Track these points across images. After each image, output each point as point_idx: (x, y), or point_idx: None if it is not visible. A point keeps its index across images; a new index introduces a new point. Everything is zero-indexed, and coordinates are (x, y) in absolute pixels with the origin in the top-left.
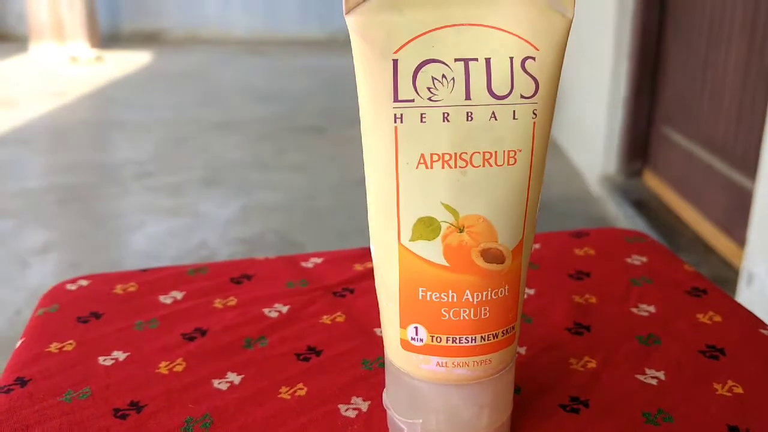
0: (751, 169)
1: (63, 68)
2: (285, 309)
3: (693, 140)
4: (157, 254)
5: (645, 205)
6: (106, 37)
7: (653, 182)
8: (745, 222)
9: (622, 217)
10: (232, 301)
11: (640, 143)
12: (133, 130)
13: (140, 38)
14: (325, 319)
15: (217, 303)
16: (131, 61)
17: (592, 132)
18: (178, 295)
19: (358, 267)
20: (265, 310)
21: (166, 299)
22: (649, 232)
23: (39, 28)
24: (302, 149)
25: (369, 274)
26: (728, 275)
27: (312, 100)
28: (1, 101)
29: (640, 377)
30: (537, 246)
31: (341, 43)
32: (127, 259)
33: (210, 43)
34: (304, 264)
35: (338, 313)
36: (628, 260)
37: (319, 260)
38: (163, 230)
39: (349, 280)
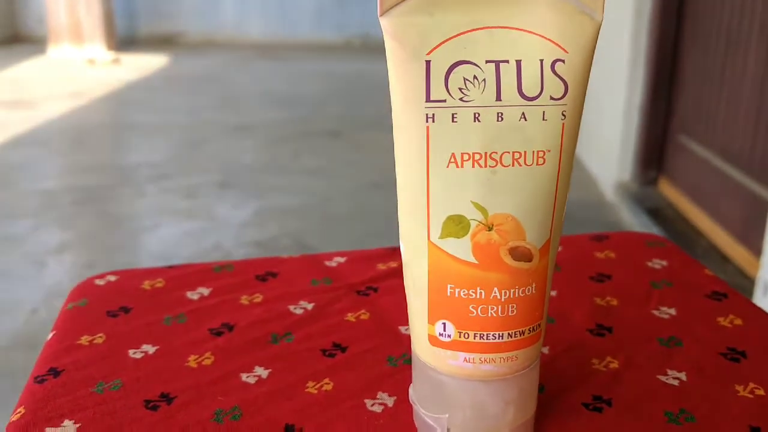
0: (767, 178)
1: (80, 70)
2: (310, 306)
3: (709, 148)
4: (172, 256)
5: (660, 213)
6: (123, 40)
7: (668, 190)
8: (761, 231)
9: (637, 225)
10: (258, 298)
11: (655, 151)
12: (150, 132)
13: (157, 41)
14: (350, 316)
15: (243, 299)
16: (148, 64)
17: (608, 139)
18: (205, 291)
19: (381, 266)
20: (291, 307)
21: (193, 295)
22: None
23: (57, 30)
24: (318, 153)
25: (392, 274)
26: (744, 285)
27: (328, 104)
28: (19, 102)
29: (662, 378)
30: (559, 248)
31: (356, 48)
32: (142, 261)
33: (226, 47)
34: (327, 263)
35: (362, 311)
36: (649, 264)
37: (342, 259)
38: (178, 232)
39: (372, 278)
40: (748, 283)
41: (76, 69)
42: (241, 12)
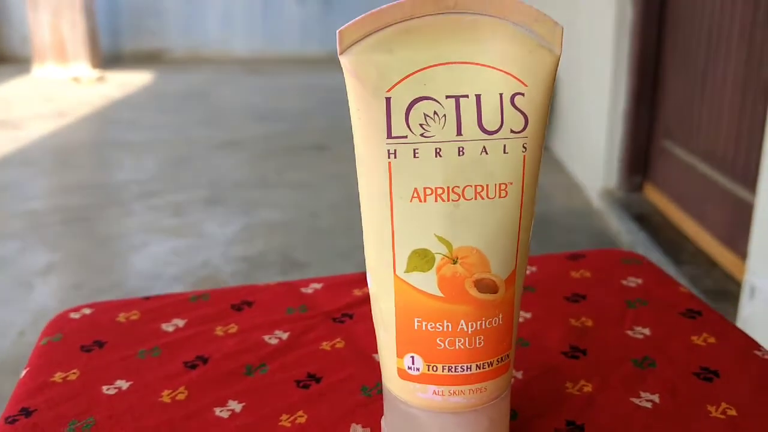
0: (751, 182)
1: (65, 89)
2: (285, 336)
3: (693, 154)
4: (160, 274)
5: (646, 219)
6: (108, 58)
7: (654, 196)
8: (746, 235)
9: (624, 231)
10: (233, 329)
11: (640, 157)
12: (135, 150)
13: (141, 58)
14: (325, 345)
15: (218, 330)
16: (133, 81)
17: (593, 146)
18: (180, 322)
19: (357, 292)
20: (266, 337)
21: (168, 327)
22: (651, 246)
23: (41, 49)
24: (303, 168)
25: (368, 299)
26: (731, 288)
27: (313, 118)
28: (4, 123)
29: (635, 400)
30: (533, 269)
31: None
32: (130, 280)
33: (211, 63)
34: (303, 290)
35: (338, 339)
36: (624, 282)
37: (318, 286)
38: (166, 250)
39: (348, 305)
40: (734, 286)
41: (61, 88)
42: (226, 28)
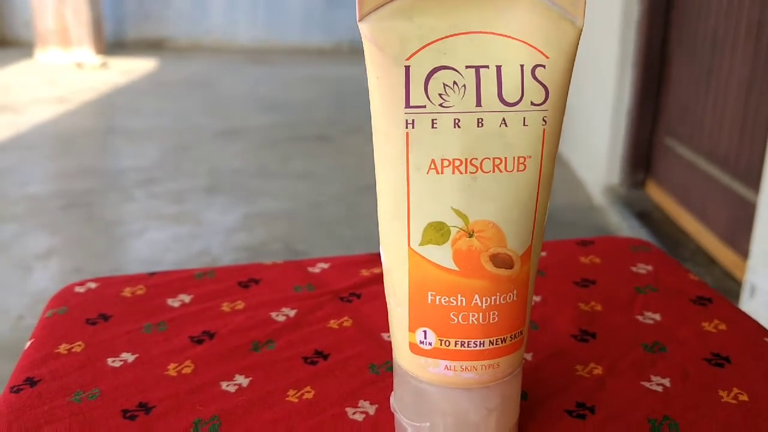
0: (754, 181)
1: (68, 74)
2: (292, 313)
3: (696, 152)
4: (160, 261)
5: (648, 216)
6: (111, 44)
7: (656, 193)
8: (748, 234)
9: (625, 227)
10: (240, 305)
11: (643, 154)
12: (137, 136)
13: (145, 45)
14: (333, 323)
15: (225, 306)
16: (136, 68)
17: (596, 142)
18: (186, 298)
19: (365, 272)
20: (273, 314)
21: (174, 302)
22: (652, 243)
23: (45, 34)
24: (306, 157)
25: (375, 280)
26: (731, 287)
27: (316, 108)
28: (6, 107)
29: (646, 384)
30: (543, 254)
31: (345, 52)
32: (130, 266)
33: (214, 52)
34: (311, 269)
35: (345, 318)
36: (633, 269)
37: (326, 265)
38: (166, 237)
39: (355, 285)
40: (734, 285)
41: (64, 73)
42: (230, 16)
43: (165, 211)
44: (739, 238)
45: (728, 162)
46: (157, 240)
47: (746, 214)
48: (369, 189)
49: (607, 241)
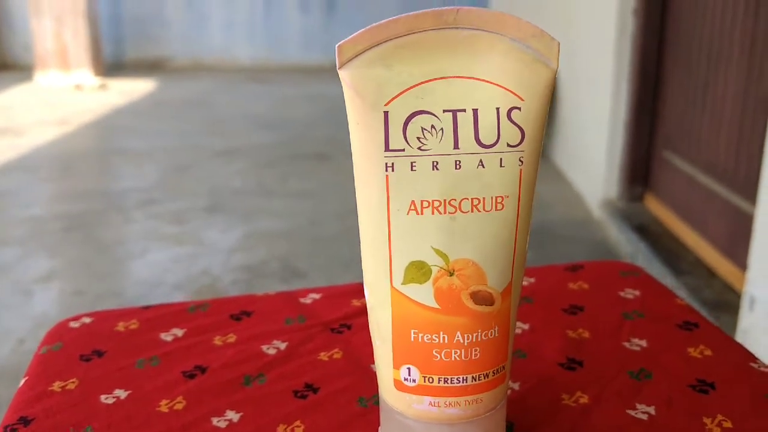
0: (752, 193)
1: (67, 96)
2: (283, 346)
3: (694, 164)
4: (160, 282)
5: (646, 229)
6: (110, 66)
7: (654, 206)
8: (746, 246)
9: (624, 241)
10: (232, 338)
11: (641, 167)
12: (137, 157)
13: (144, 66)
14: (323, 355)
15: (217, 340)
16: (135, 89)
17: (593, 156)
18: (179, 332)
19: (356, 303)
20: (264, 347)
21: (167, 336)
22: (651, 256)
23: (44, 56)
24: (306, 176)
25: (366, 310)
26: (731, 299)
27: (315, 127)
28: (6, 130)
29: (631, 412)
30: (532, 280)
31: None
32: (130, 287)
33: (213, 71)
34: (302, 300)
35: (336, 350)
36: (621, 294)
37: (317, 296)
38: (167, 258)
39: (346, 316)
40: (734, 297)
41: (63, 95)
42: (229, 36)
43: (165, 232)
44: (738, 250)
45: (726, 174)
46: (158, 261)
47: (745, 226)
48: None
49: (596, 266)
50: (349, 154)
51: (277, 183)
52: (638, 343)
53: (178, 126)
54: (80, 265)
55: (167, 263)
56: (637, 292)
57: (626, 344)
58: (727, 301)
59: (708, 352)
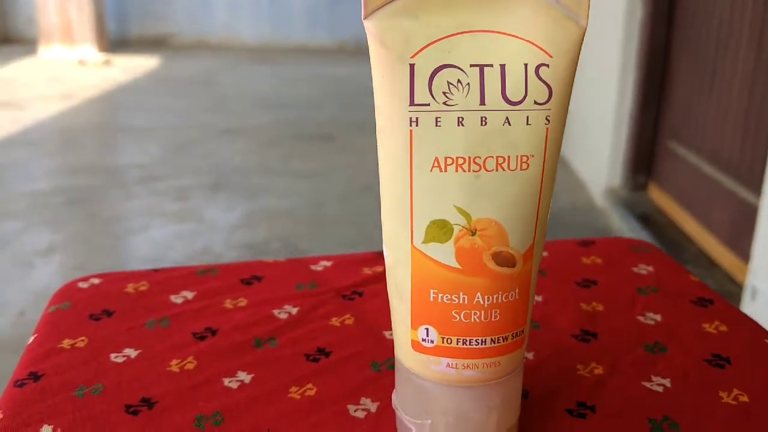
0: (756, 184)
1: (71, 71)
2: (294, 311)
3: (699, 155)
4: (161, 258)
5: (649, 218)
6: (114, 42)
7: (658, 196)
8: (750, 237)
9: (627, 230)
10: (242, 302)
11: (645, 157)
12: (140, 134)
13: (148, 43)
14: (335, 321)
15: (228, 303)
16: (139, 65)
17: (598, 144)
18: (189, 294)
19: (367, 271)
20: (275, 312)
21: (176, 299)
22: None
23: (48, 31)
24: (309, 156)
25: (377, 278)
26: (733, 290)
27: (320, 107)
28: (9, 103)
29: (647, 384)
30: (545, 254)
31: (349, 52)
32: (131, 263)
33: (217, 50)
34: (313, 267)
35: (347, 316)
36: (635, 269)
37: (328, 263)
38: (168, 234)
39: (357, 283)
40: (736, 288)
41: (67, 70)
42: (233, 15)
43: (167, 209)
44: (741, 241)
45: (730, 165)
46: (159, 237)
47: (748, 217)
48: (371, 188)
49: (608, 241)
50: (354, 135)
51: (280, 162)
52: (653, 317)
53: (182, 103)
54: (82, 240)
55: (169, 240)
56: (651, 268)
57: (641, 318)
58: (729, 292)
59: (723, 328)
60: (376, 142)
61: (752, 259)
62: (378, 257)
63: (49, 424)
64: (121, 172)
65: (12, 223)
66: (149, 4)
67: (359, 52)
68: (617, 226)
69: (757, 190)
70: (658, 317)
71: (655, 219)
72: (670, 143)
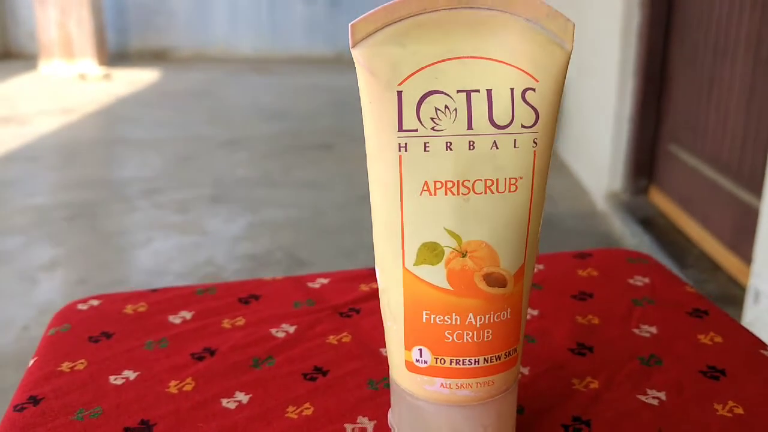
0: (757, 186)
1: (71, 86)
2: (292, 329)
3: (699, 158)
4: (164, 271)
5: (651, 222)
6: (114, 55)
7: (659, 200)
8: (751, 239)
9: (628, 234)
10: (240, 321)
11: (645, 161)
12: (141, 147)
13: (148, 56)
14: (332, 339)
15: (225, 323)
16: (139, 78)
17: (598, 149)
18: (187, 315)
19: (364, 287)
20: (273, 330)
21: (175, 319)
22: (655, 249)
23: (48, 45)
24: (309, 167)
25: (374, 295)
26: (735, 293)
27: (319, 118)
28: (11, 118)
29: (642, 397)
30: (541, 267)
31: (348, 61)
32: (134, 276)
33: (217, 62)
34: (310, 284)
35: (344, 333)
36: (631, 281)
37: (325, 281)
38: (170, 247)
39: (354, 300)
40: (739, 291)
41: (68, 84)
42: (233, 26)
43: (169, 221)
44: (743, 243)
45: (731, 168)
46: (162, 250)
47: (749, 220)
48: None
49: (605, 253)
50: (354, 145)
51: (281, 173)
52: (648, 330)
53: (182, 116)
54: (84, 254)
55: (171, 252)
56: (647, 280)
57: (636, 331)
58: (732, 295)
59: (718, 339)
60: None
61: (754, 262)
62: (374, 273)
63: None
64: (123, 186)
65: (15, 238)
66: (149, 17)
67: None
68: (619, 231)
69: (758, 192)
70: (654, 329)
71: (657, 223)
72: (670, 147)
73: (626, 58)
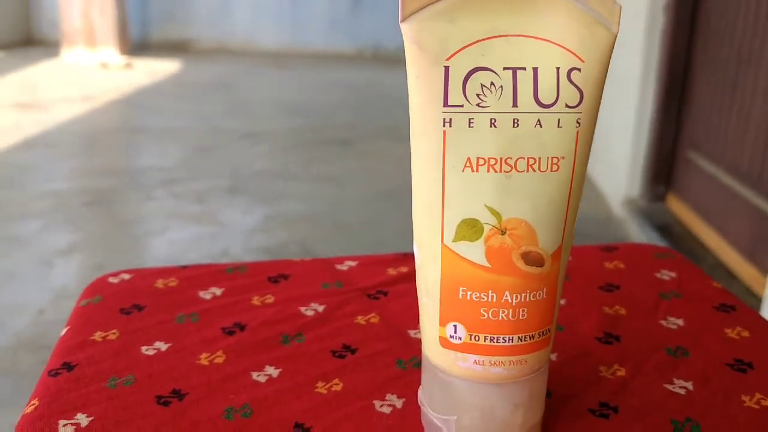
0: None
1: (93, 74)
2: (321, 308)
3: (718, 165)
4: (180, 260)
5: (668, 229)
6: (136, 45)
7: (677, 207)
8: None
9: (645, 240)
10: (270, 299)
11: (664, 167)
12: (160, 137)
13: (169, 47)
14: (360, 319)
15: (255, 300)
16: (160, 69)
17: (617, 154)
18: (217, 291)
19: (392, 271)
20: (302, 309)
21: (205, 294)
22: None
23: (71, 33)
24: (328, 161)
25: (402, 279)
26: (751, 303)
27: (339, 113)
28: (32, 105)
29: (669, 386)
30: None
31: (368, 58)
32: (150, 264)
33: (238, 55)
34: (338, 266)
35: (372, 314)
36: (657, 275)
37: (353, 263)
38: (186, 236)
39: (383, 283)
40: (755, 301)
41: (89, 73)
42: (254, 20)
43: (186, 211)
44: (761, 253)
45: (751, 177)
46: (178, 239)
47: (767, 230)
48: (390, 193)
49: (631, 247)
50: (373, 141)
51: (299, 167)
52: (675, 322)
53: (202, 107)
54: (101, 240)
55: (187, 242)
56: (674, 274)
57: (663, 322)
58: (748, 305)
59: (745, 334)
60: (403, 148)
61: None
62: (402, 258)
63: (83, 413)
64: (141, 175)
65: (32, 222)
66: (171, 8)
67: (378, 58)
68: (636, 237)
69: None
70: (681, 322)
71: (674, 230)
72: (689, 154)
73: (648, 62)
